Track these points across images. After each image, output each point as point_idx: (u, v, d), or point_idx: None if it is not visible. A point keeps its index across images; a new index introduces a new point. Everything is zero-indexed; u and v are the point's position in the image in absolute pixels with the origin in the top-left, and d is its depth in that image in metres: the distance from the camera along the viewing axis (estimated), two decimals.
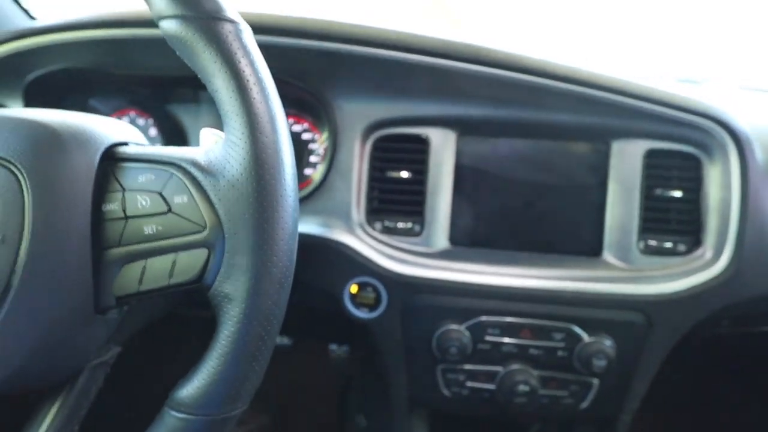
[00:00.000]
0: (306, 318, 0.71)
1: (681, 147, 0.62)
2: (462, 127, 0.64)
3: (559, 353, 0.60)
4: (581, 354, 0.59)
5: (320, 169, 0.64)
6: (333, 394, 1.06)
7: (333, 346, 1.16)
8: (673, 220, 0.62)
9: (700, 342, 0.69)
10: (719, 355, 0.93)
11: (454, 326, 0.60)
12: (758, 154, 0.61)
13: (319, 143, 0.68)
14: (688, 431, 0.97)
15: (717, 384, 0.99)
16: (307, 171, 0.68)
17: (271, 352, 0.31)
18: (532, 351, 0.61)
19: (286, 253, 0.30)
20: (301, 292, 0.72)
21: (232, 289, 0.29)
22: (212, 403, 0.30)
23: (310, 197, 0.64)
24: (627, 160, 0.63)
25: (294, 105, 0.67)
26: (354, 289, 0.63)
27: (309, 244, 0.63)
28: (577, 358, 0.60)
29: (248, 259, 0.29)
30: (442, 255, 0.63)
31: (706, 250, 0.61)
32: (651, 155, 0.62)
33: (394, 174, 0.64)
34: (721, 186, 0.61)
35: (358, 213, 0.63)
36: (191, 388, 0.30)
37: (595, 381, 0.61)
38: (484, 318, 0.60)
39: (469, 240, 0.64)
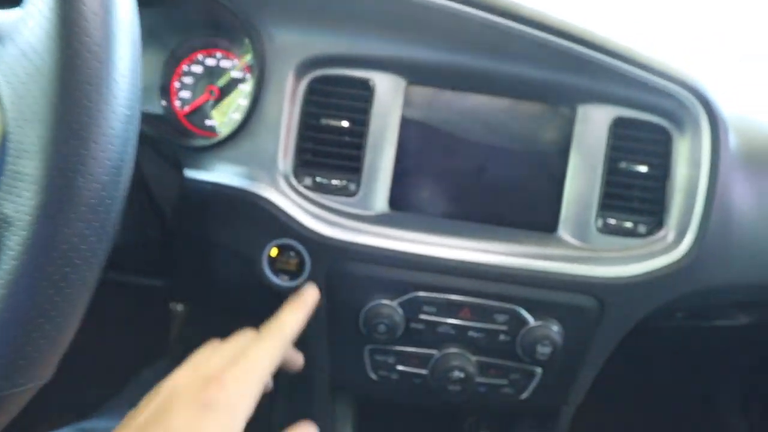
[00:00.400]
0: (211, 283, 0.62)
1: (651, 117, 0.56)
2: (412, 73, 0.55)
3: (501, 337, 0.54)
4: (525, 339, 0.53)
5: (241, 110, 0.54)
6: None
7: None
8: (635, 198, 0.56)
9: (650, 333, 0.64)
10: (668, 347, 0.90)
11: (385, 301, 0.52)
12: (731, 137, 0.56)
13: (238, 69, 0.58)
14: (633, 424, 0.95)
15: (663, 376, 0.96)
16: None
17: (82, 308, 0.22)
18: (472, 334, 0.54)
19: (109, 162, 0.21)
20: (209, 254, 0.62)
21: (12, 209, 0.19)
22: None
23: (226, 142, 0.54)
24: (592, 127, 0.56)
25: (209, 28, 0.57)
26: (274, 252, 0.54)
27: (222, 198, 0.54)
28: (520, 344, 0.53)
29: (39, 165, 0.19)
30: (379, 220, 0.55)
31: (668, 232, 0.56)
32: (618, 124, 0.56)
33: (330, 122, 0.55)
34: (689, 163, 0.55)
35: (284, 164, 0.54)
36: None
37: (538, 370, 0.55)
38: (420, 293, 0.53)
39: (411, 205, 0.56)
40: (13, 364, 0.21)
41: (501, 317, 0.53)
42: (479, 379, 0.54)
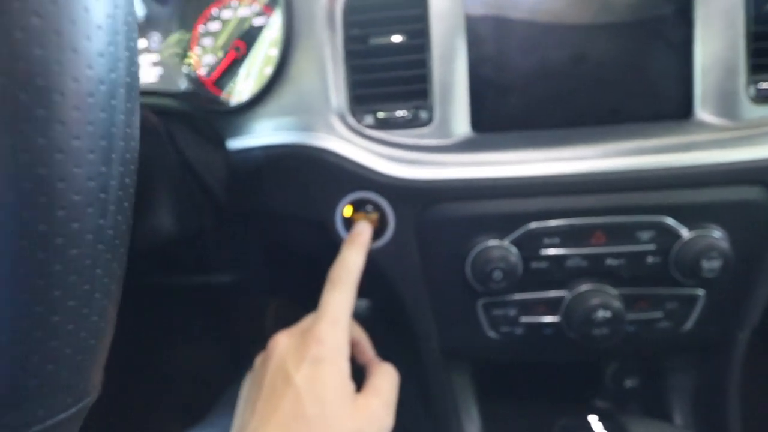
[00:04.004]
0: (285, 265, 0.54)
1: None
2: None
3: (649, 260, 0.42)
4: (681, 256, 0.41)
5: (272, 61, 0.45)
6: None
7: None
8: None
9: None
10: None
11: (494, 242, 0.42)
12: None
13: (258, 14, 0.49)
14: None
15: None
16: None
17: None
18: (610, 262, 0.43)
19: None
20: (276, 230, 0.55)
21: None
22: None
23: (265, 95, 0.45)
24: None
25: None
26: (348, 211, 0.45)
27: (275, 162, 0.45)
28: (675, 263, 0.42)
29: None
30: (465, 146, 0.44)
31: None
32: None
33: (381, 41, 0.45)
34: None
35: (337, 104, 0.45)
36: None
37: (700, 292, 0.44)
38: (535, 224, 0.42)
39: (499, 121, 0.45)
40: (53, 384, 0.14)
41: (645, 234, 0.42)
42: (629, 316, 0.43)
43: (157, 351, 0.88)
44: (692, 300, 0.44)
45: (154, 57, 0.54)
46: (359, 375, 0.41)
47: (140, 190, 0.42)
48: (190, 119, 0.50)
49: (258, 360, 0.39)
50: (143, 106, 0.46)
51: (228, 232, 0.53)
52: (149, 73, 0.54)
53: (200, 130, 0.52)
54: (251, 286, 0.70)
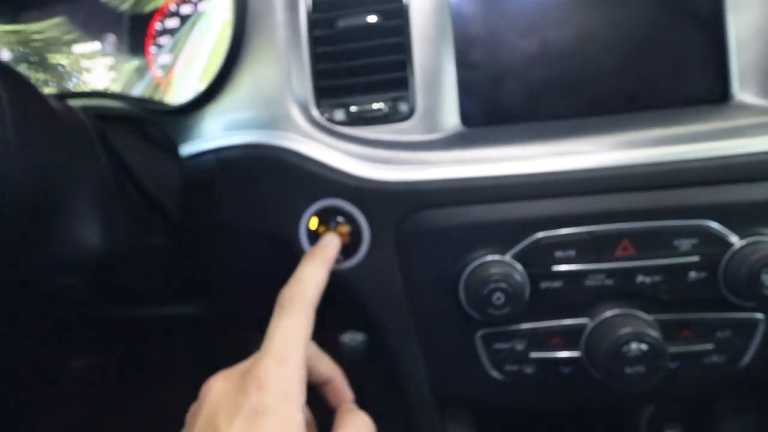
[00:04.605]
0: (243, 292, 0.46)
1: None
2: None
3: (692, 275, 0.33)
4: (733, 270, 0.32)
5: (222, 35, 0.39)
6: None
7: (346, 336, 0.89)
8: None
9: None
10: None
11: (493, 257, 0.34)
12: None
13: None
14: None
15: None
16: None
17: None
18: (642, 279, 0.34)
19: None
20: (233, 251, 0.47)
21: None
22: None
23: (217, 88, 0.38)
24: None
25: None
26: (314, 223, 0.37)
27: (231, 167, 0.38)
28: (725, 280, 0.33)
29: None
30: (453, 142, 0.37)
31: None
32: None
33: (350, 22, 0.38)
34: None
35: (300, 95, 0.38)
36: None
37: (760, 316, 0.34)
38: (542, 234, 0.34)
39: (493, 112, 0.38)
40: None
41: (685, 243, 0.33)
42: (670, 349, 0.34)
43: (137, 390, 0.80)
44: (750, 327, 0.34)
45: (109, 60, 0.49)
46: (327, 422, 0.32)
47: (56, 199, 0.35)
48: (135, 122, 0.44)
49: (190, 411, 0.30)
50: (72, 106, 0.40)
51: (182, 253, 0.45)
52: (103, 78, 0.48)
53: (148, 134, 0.45)
54: (222, 319, 0.61)
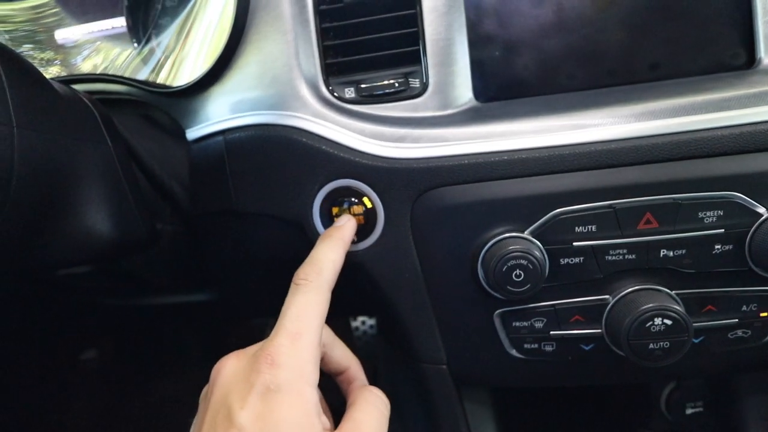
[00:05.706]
0: (256, 277, 0.45)
1: None
2: None
3: (718, 248, 0.32)
4: (760, 243, 0.31)
5: (225, 12, 0.37)
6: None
7: (357, 322, 0.89)
8: None
9: None
10: None
11: (511, 234, 0.33)
12: None
13: None
14: None
15: None
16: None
17: None
18: (665, 253, 0.33)
19: None
20: (245, 236, 0.46)
21: None
22: None
23: (221, 66, 0.37)
24: None
25: None
26: (327, 204, 0.36)
27: (240, 150, 0.37)
28: (752, 253, 0.32)
29: None
30: (467, 117, 0.36)
31: None
32: None
33: None
34: None
35: (309, 73, 0.37)
36: None
37: None
38: (562, 210, 0.33)
39: (508, 86, 0.37)
40: None
41: (710, 215, 0.32)
42: (694, 324, 0.33)
43: (151, 377, 0.81)
44: None
45: (110, 44, 0.48)
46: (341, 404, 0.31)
47: (62, 185, 0.34)
48: (140, 107, 0.43)
49: (202, 393, 0.29)
50: (75, 89, 0.39)
51: (193, 239, 0.45)
52: (106, 62, 0.47)
53: (154, 119, 0.44)
54: (237, 306, 0.61)
